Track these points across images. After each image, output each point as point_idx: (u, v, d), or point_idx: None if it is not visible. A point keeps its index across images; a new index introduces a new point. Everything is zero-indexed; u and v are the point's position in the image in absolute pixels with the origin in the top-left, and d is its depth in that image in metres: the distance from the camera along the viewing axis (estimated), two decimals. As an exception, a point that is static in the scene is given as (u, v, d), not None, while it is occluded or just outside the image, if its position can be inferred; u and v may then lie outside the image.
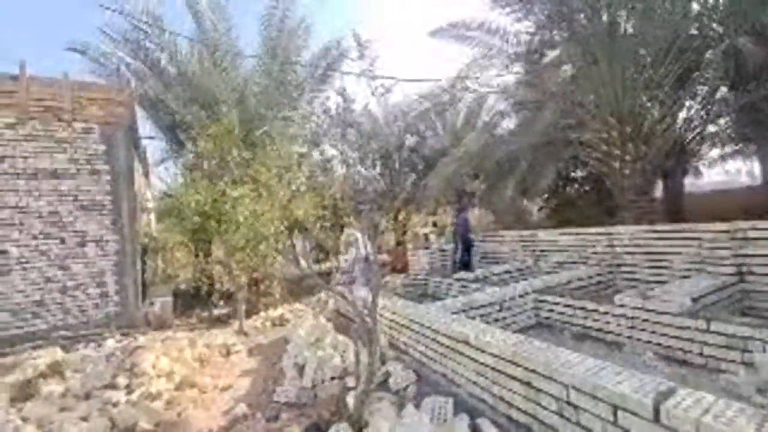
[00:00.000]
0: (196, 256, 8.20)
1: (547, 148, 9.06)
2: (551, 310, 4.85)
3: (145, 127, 10.00)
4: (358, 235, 7.60)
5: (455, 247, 8.25)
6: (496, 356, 2.75)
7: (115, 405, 3.43)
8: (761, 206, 7.97)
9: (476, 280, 6.64)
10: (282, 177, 7.00)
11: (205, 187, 6.69)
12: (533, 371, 2.45)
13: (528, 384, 2.49)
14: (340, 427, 2.69)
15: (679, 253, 5.20)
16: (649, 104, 7.39)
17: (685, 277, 4.96)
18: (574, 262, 6.56)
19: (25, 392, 3.68)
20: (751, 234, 4.55)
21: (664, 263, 5.39)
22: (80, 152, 6.39)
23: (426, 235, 12.97)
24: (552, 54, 8.77)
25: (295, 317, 6.61)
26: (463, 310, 4.39)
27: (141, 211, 8.50)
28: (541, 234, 7.48)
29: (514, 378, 2.60)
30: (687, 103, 8.44)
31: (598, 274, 5.82)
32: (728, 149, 11.52)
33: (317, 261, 13.06)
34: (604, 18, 6.98)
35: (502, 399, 2.71)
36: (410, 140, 12.58)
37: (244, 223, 5.86)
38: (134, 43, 8.64)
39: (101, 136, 6.56)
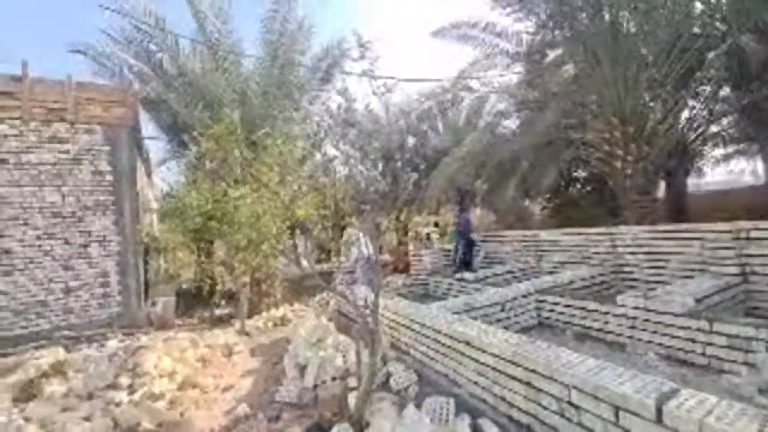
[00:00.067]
0: (198, 256, 8.22)
1: (549, 148, 9.04)
2: (553, 311, 4.84)
3: (148, 127, 10.04)
4: (360, 235, 7.59)
5: (456, 246, 8.24)
6: (497, 356, 2.75)
7: (117, 405, 3.44)
8: (764, 206, 7.94)
9: (477, 280, 6.64)
10: (284, 177, 7.00)
11: (207, 187, 6.70)
12: (534, 371, 2.44)
13: (529, 384, 2.49)
14: (341, 428, 2.69)
15: (682, 254, 5.17)
16: (651, 104, 7.35)
17: (687, 277, 4.92)
18: (576, 262, 6.55)
19: (27, 392, 3.70)
20: (754, 234, 4.50)
21: (666, 263, 5.35)
22: (83, 153, 6.43)
23: (428, 235, 12.94)
24: (553, 54, 8.76)
25: (297, 317, 6.62)
26: (465, 311, 4.38)
27: (144, 212, 8.53)
28: (543, 234, 7.45)
29: (515, 378, 2.60)
30: (689, 103, 8.42)
31: (601, 275, 5.80)
32: (731, 149, 11.49)
33: (318, 261, 13.09)
34: (606, 17, 6.94)
35: (503, 399, 2.71)
36: (412, 140, 12.58)
37: (245, 223, 5.86)
38: (136, 44, 8.65)
39: (104, 137, 6.60)
